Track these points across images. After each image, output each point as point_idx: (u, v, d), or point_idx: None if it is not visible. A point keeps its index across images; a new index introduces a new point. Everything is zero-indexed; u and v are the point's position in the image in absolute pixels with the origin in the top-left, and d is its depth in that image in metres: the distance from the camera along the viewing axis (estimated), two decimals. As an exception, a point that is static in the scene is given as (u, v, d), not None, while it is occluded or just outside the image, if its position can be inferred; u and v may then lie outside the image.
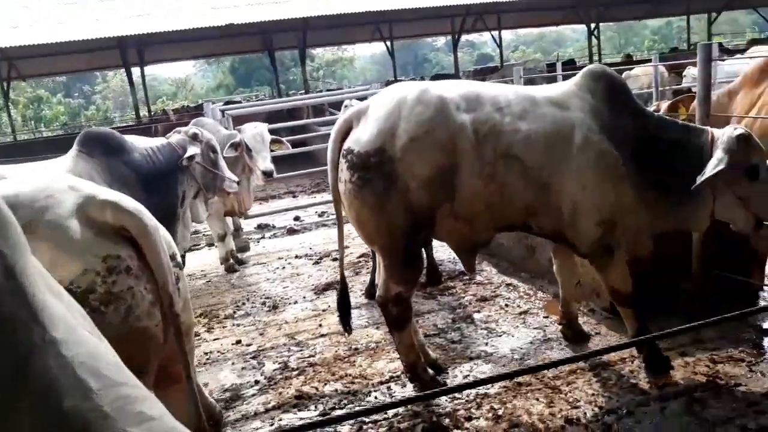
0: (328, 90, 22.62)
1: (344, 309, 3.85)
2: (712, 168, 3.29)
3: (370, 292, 5.28)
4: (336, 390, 3.91)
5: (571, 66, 19.36)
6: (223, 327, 5.28)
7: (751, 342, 3.89)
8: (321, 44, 31.10)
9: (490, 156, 3.36)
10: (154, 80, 65.05)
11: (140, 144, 4.50)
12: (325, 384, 4.00)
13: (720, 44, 23.40)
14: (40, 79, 44.00)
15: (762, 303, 4.42)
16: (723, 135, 3.41)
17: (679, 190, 3.44)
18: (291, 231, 8.74)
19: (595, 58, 24.42)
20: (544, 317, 4.63)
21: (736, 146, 3.32)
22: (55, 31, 18.06)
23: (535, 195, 3.44)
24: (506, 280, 5.51)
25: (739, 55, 14.25)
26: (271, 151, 6.77)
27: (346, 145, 3.46)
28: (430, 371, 3.80)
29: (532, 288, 5.24)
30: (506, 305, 4.94)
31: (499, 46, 24.73)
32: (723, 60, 13.76)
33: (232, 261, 7.05)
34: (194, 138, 4.52)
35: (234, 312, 5.62)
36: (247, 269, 7.08)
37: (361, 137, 3.40)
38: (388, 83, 24.95)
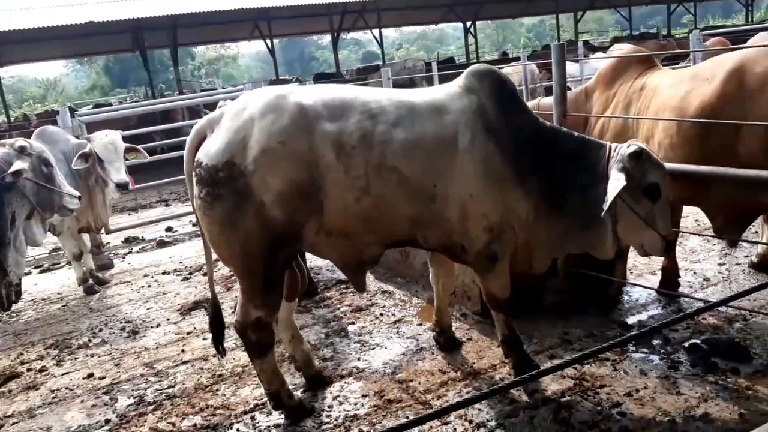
0: (203, 90, 21.70)
1: (217, 329, 3.51)
2: (613, 191, 3.07)
3: None
4: (195, 425, 3.57)
5: (449, 64, 19.73)
6: (75, 359, 4.76)
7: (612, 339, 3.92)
8: (195, 42, 29.91)
9: (360, 168, 3.10)
10: (20, 82, 60.27)
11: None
12: (183, 418, 3.66)
13: (586, 41, 24.81)
14: None
15: (625, 299, 4.52)
16: (617, 152, 3.23)
17: (576, 208, 3.31)
18: (161, 243, 8.19)
19: (474, 56, 25.05)
20: (417, 325, 4.51)
21: (630, 164, 3.15)
22: None
23: (420, 206, 3.22)
24: (382, 287, 5.35)
25: (600, 53, 15.04)
26: (126, 160, 6.23)
27: (197, 157, 3.14)
28: (297, 396, 3.55)
29: (407, 294, 5.12)
30: (381, 314, 4.78)
31: (380, 44, 24.79)
32: (586, 57, 14.49)
33: (91, 281, 6.45)
34: (21, 151, 4.00)
35: (89, 340, 5.10)
36: (108, 290, 6.51)
37: (210, 149, 3.08)
38: (271, 82, 24.42)
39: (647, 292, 4.59)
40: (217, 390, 3.95)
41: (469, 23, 24.86)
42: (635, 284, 4.61)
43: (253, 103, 3.15)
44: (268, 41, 23.09)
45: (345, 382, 3.82)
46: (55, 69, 57.77)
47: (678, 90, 3.46)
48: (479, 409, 3.35)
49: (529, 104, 4.28)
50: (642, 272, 4.96)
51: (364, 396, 3.64)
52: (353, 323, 4.69)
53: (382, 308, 4.90)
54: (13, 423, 3.89)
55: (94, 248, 7.33)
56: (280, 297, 3.34)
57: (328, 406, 3.58)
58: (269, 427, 3.45)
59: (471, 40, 24.68)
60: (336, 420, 3.43)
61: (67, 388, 4.27)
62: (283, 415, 3.49)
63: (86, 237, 6.71)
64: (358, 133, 3.12)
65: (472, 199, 3.23)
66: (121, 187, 5.83)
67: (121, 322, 5.41)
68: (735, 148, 3.22)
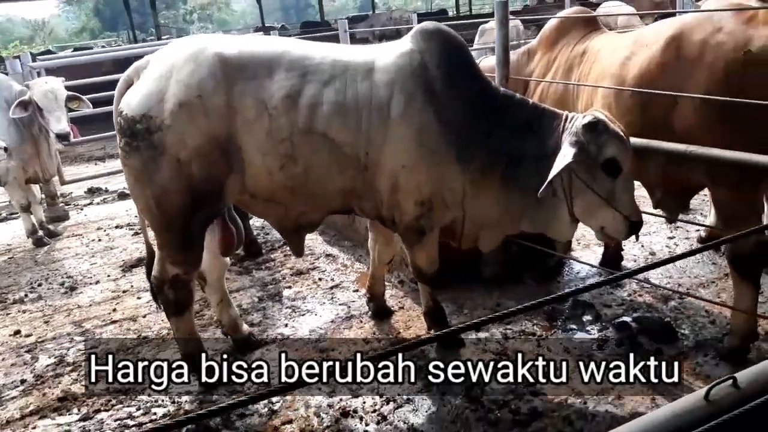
0: (179, 36, 21.14)
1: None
2: (556, 168, 2.78)
3: None
4: (107, 388, 3.48)
5: (441, 17, 19.17)
6: (7, 314, 4.67)
7: (546, 314, 3.83)
8: None
9: (284, 132, 2.91)
10: (8, 21, 58.91)
11: None
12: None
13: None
14: None
15: (566, 271, 4.42)
16: (572, 123, 2.94)
17: (527, 184, 3.01)
18: (122, 195, 8.00)
19: (466, 9, 24.44)
20: (353, 291, 4.41)
21: (585, 137, 2.84)
22: None
23: (352, 176, 3.03)
24: (327, 250, 5.24)
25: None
26: (69, 110, 6.01)
27: (120, 106, 2.99)
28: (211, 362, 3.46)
29: (351, 258, 5.01)
30: (320, 279, 4.68)
31: (371, -5, 24.12)
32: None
33: (40, 233, 6.31)
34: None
35: (26, 295, 5.00)
36: (59, 242, 6.38)
37: (131, 99, 2.95)
38: (256, 30, 23.70)
39: (590, 262, 4.49)
40: (138, 352, 3.87)
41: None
42: (574, 259, 4.49)
43: (175, 53, 2.99)
44: (255, -13, 22.31)
45: (266, 350, 3.74)
46: (46, 9, 56.45)
47: (618, 56, 3.26)
48: (392, 383, 3.26)
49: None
50: (589, 243, 4.85)
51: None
52: (290, 287, 4.60)
53: (322, 273, 4.80)
54: (-71, 378, 3.81)
55: (49, 199, 7.18)
56: (199, 255, 3.22)
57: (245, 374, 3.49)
58: (180, 392, 3.38)
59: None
60: (249, 389, 3.35)
61: (-9, 345, 4.19)
62: (197, 380, 3.41)
63: (36, 188, 6.55)
64: (282, 92, 2.91)
65: (404, 170, 3.02)
66: (61, 137, 5.63)
67: (61, 277, 5.30)
68: (671, 120, 3.05)
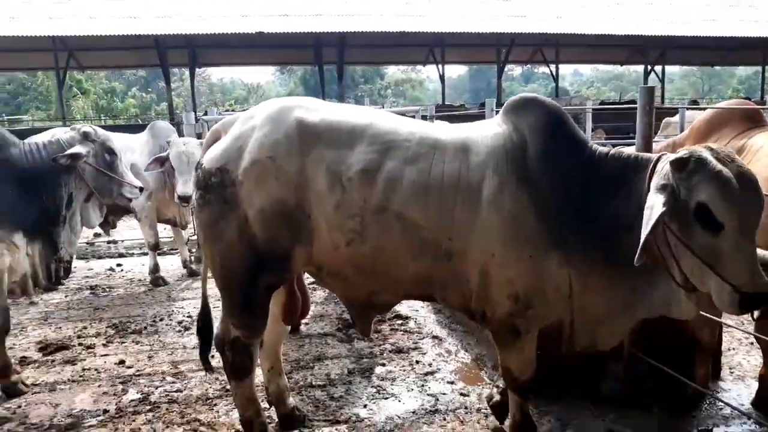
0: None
1: (204, 341, 3.35)
2: (647, 225, 2.25)
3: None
4: (171, 437, 3.42)
5: (617, 106, 18.20)
6: (122, 343, 4.88)
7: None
8: (364, 63, 31.11)
9: (355, 207, 2.70)
10: (230, 83, 66.97)
11: (35, 140, 4.20)
12: (167, 427, 3.52)
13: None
14: (120, 72, 46.02)
15: (705, 406, 3.64)
16: (662, 164, 2.42)
17: (631, 254, 2.40)
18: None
19: (658, 102, 23.15)
20: (448, 383, 3.99)
21: (674, 177, 2.32)
22: (118, 24, 18.43)
23: (431, 264, 2.72)
24: (435, 332, 4.89)
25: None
26: None
27: (201, 159, 3.01)
28: (271, 430, 3.25)
29: (457, 345, 4.60)
30: (417, 362, 4.32)
31: (555, 79, 23.85)
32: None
33: (161, 275, 6.68)
34: (85, 137, 4.15)
35: (145, 327, 5.23)
36: (196, 282, 6.71)
37: (212, 153, 2.91)
38: (437, 108, 24.50)
39: (738, 401, 3.67)
40: (214, 405, 3.77)
41: (649, 67, 23.00)
42: (713, 395, 3.68)
43: (259, 112, 2.93)
44: (440, 67, 23.10)
45: (336, 429, 3.45)
46: (263, 75, 63.34)
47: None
48: (455, 500, 2.81)
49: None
50: (745, 375, 4.00)
51: (345, 449, 3.25)
52: (384, 365, 4.29)
53: (422, 354, 4.44)
54: (34, 393, 4.02)
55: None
56: (262, 321, 3.05)
57: (304, 452, 3.24)
58: (236, 457, 3.19)
59: (666, 86, 22.81)
60: (302, 469, 3.08)
61: (96, 370, 4.36)
62: (255, 449, 3.21)
63: (183, 231, 6.99)
64: (360, 165, 2.70)
65: (494, 260, 2.64)
66: (182, 199, 5.90)
67: (183, 316, 5.50)
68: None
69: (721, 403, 3.62)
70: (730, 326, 3.79)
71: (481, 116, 6.35)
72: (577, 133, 2.74)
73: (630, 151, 2.89)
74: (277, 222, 2.76)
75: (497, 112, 2.87)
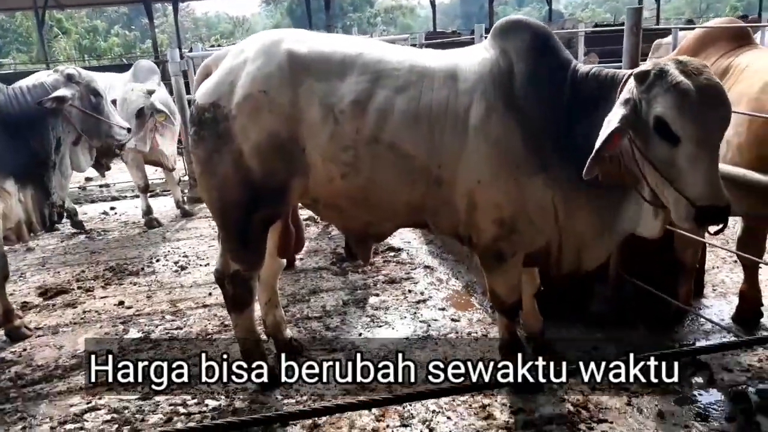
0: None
1: None
2: (600, 138, 2.27)
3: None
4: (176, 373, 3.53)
5: (611, 28, 17.77)
6: (120, 284, 4.98)
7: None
8: None
9: (348, 138, 2.72)
10: (215, 17, 65.15)
11: (19, 84, 4.14)
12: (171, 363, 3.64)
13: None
14: (101, 10, 44.66)
15: (687, 322, 3.76)
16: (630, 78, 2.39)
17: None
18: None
19: (653, 22, 22.69)
20: (440, 309, 4.11)
21: (634, 93, 2.31)
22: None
23: (423, 191, 2.77)
24: (427, 261, 4.99)
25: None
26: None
27: (195, 95, 3.03)
28: (270, 363, 3.36)
29: (448, 273, 4.71)
30: (410, 291, 4.43)
31: (549, 2, 23.26)
32: None
33: (154, 216, 6.71)
34: (69, 79, 4.10)
35: (142, 268, 5.32)
36: (191, 222, 6.78)
37: (204, 89, 2.94)
38: (427, 35, 23.80)
39: (720, 316, 3.80)
40: (214, 340, 3.90)
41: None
42: (695, 312, 3.80)
43: (251, 45, 2.93)
44: (430, -8, 22.44)
45: (332, 357, 3.57)
46: (249, 7, 61.62)
47: (760, 77, 2.66)
48: (448, 417, 2.96)
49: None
50: (727, 291, 4.13)
51: (342, 376, 3.36)
52: (378, 295, 4.41)
53: (414, 284, 4.55)
54: (38, 336, 4.13)
55: (192, 180, 7.65)
56: (260, 254, 3.11)
57: (303, 380, 3.36)
58: (236, 389, 3.32)
59: (663, 5, 22.24)
60: (301, 396, 3.22)
61: (96, 311, 4.47)
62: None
63: (175, 172, 6.98)
64: (351, 96, 2.72)
65: (480, 186, 2.68)
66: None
67: (179, 256, 5.59)
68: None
69: (702, 319, 3.75)
70: (713, 246, 3.86)
71: (471, 43, 6.25)
72: (561, 55, 2.72)
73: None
74: (271, 155, 2.80)
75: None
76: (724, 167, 2.83)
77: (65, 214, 5.51)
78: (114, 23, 50.17)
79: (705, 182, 2.22)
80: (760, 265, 3.51)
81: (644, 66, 2.34)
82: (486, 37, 2.92)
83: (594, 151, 2.30)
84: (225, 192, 2.91)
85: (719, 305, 3.96)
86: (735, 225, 4.59)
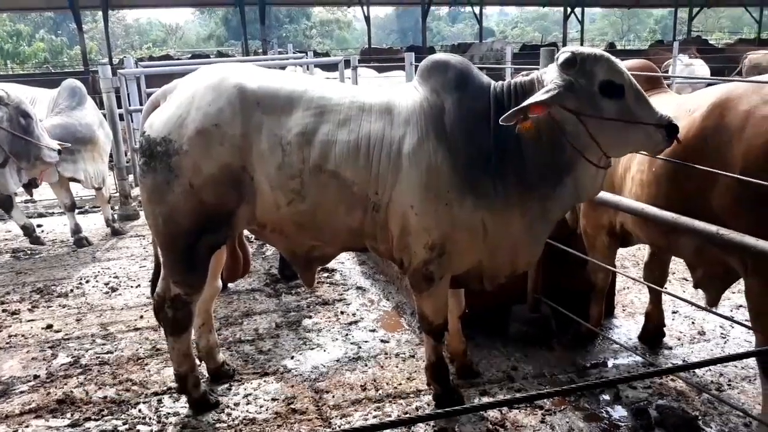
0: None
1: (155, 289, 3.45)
2: (538, 94, 2.68)
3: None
4: (105, 397, 3.55)
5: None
6: (48, 307, 4.90)
7: (564, 385, 3.52)
8: (286, 3, 30.35)
9: (296, 168, 2.88)
10: (147, 24, 63.64)
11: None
12: (100, 388, 3.64)
13: (705, 41, 22.85)
14: (24, 14, 42.94)
15: (598, 341, 4.05)
16: (542, 75, 2.82)
17: (537, 172, 2.83)
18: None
19: (579, 44, 23.74)
20: (370, 330, 4.27)
21: (569, 75, 2.70)
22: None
23: (361, 217, 2.96)
24: (360, 283, 5.14)
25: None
26: None
27: (143, 125, 3.08)
28: (203, 387, 3.43)
29: (379, 295, 4.88)
30: (342, 312, 4.58)
31: (479, 21, 24.00)
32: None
33: (84, 235, 6.59)
34: (-3, 101, 4.07)
35: (71, 290, 5.25)
36: (121, 241, 6.70)
37: (154, 122, 3.01)
38: (362, 52, 24.10)
39: (628, 335, 4.11)
40: (146, 364, 3.91)
41: (569, 10, 23.39)
42: (603, 335, 4.09)
43: (199, 81, 3.04)
44: (365, 8, 22.80)
45: (264, 381, 3.67)
46: (182, 15, 60.53)
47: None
48: (375, 439, 3.10)
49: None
50: (635, 312, 4.46)
51: (273, 400, 3.47)
52: (311, 317, 4.52)
53: (347, 306, 4.70)
54: (-40, 362, 4.04)
55: (123, 198, 7.57)
56: (202, 278, 3.18)
57: (235, 404, 3.44)
58: (168, 414, 3.37)
59: (577, 26, 23.35)
60: (233, 420, 3.29)
61: (23, 336, 4.39)
62: (187, 402, 3.40)
63: (105, 190, 6.88)
64: (297, 129, 2.89)
65: (412, 211, 2.89)
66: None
67: (109, 277, 5.53)
68: (707, 196, 2.72)
69: (614, 337, 4.06)
70: (619, 272, 4.19)
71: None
72: (481, 81, 2.98)
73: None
74: (223, 185, 2.91)
75: (415, 63, 2.99)
76: (627, 201, 3.13)
77: (25, 233, 5.41)
78: (39, 27, 48.40)
79: (656, 108, 2.72)
80: (664, 287, 3.83)
81: (563, 57, 2.72)
82: (415, 64, 3.13)
83: (521, 105, 2.66)
84: (173, 220, 2.99)
85: (627, 325, 4.28)
86: (640, 249, 4.96)
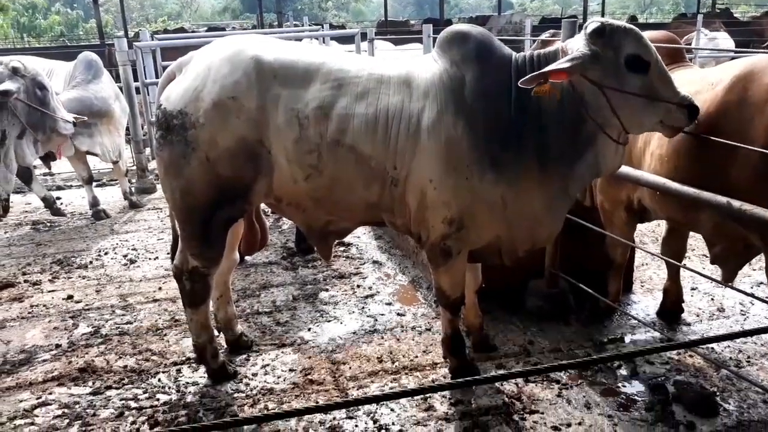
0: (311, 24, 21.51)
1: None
2: (561, 60, 2.64)
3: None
4: (125, 366, 3.61)
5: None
6: (68, 278, 4.97)
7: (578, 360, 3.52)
8: None
9: (312, 143, 2.86)
10: (163, -4, 63.33)
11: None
12: (120, 358, 3.70)
13: (726, 11, 22.33)
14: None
15: (616, 316, 4.03)
16: (569, 46, 2.76)
17: (563, 153, 2.80)
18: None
19: (597, 16, 23.28)
20: (386, 304, 4.28)
21: (596, 45, 2.65)
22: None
23: (379, 191, 2.94)
24: (376, 257, 5.15)
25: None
26: None
27: (160, 98, 3.08)
28: (221, 358, 3.47)
29: (396, 269, 4.88)
30: (358, 286, 4.59)
31: (499, -6, 23.61)
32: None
33: (101, 207, 6.64)
34: (15, 72, 4.08)
35: (91, 262, 5.31)
36: (139, 214, 6.75)
37: (170, 94, 2.99)
38: (378, 24, 23.79)
39: (646, 311, 4.09)
40: (165, 335, 3.96)
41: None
42: (622, 311, 4.06)
43: (215, 53, 3.01)
44: (382, -20, 22.47)
45: (282, 352, 3.70)
46: (201, -14, 60.00)
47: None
48: (391, 409, 3.13)
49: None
50: (654, 288, 4.43)
51: (291, 371, 3.51)
52: (327, 290, 4.55)
53: (363, 279, 4.71)
54: (-16, 331, 4.12)
55: (140, 171, 7.61)
56: (219, 251, 3.20)
57: (253, 374, 3.48)
58: (187, 383, 3.42)
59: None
60: (251, 390, 3.33)
61: (44, 306, 4.46)
62: (206, 373, 3.45)
63: (123, 162, 6.91)
64: (314, 103, 2.86)
65: (432, 185, 2.86)
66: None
67: (127, 249, 5.58)
68: (728, 170, 2.68)
69: (632, 312, 4.04)
70: (638, 247, 4.15)
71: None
72: (502, 53, 2.92)
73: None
74: (239, 159, 2.90)
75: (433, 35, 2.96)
76: (647, 175, 3.09)
77: (46, 205, 5.46)
78: (55, 0, 48.35)
79: (677, 89, 2.69)
80: (682, 263, 3.79)
81: (592, 26, 2.68)
82: (433, 36, 3.09)
83: (543, 70, 2.63)
84: (190, 193, 2.99)
85: (645, 301, 4.26)
86: (659, 225, 4.91)
